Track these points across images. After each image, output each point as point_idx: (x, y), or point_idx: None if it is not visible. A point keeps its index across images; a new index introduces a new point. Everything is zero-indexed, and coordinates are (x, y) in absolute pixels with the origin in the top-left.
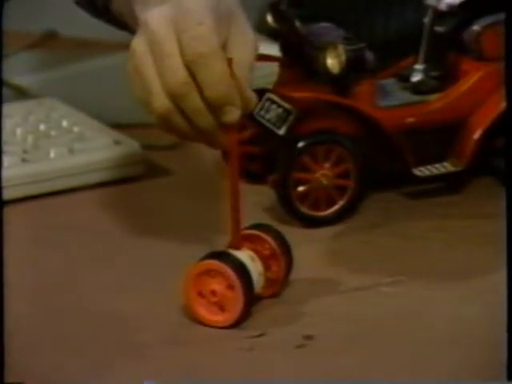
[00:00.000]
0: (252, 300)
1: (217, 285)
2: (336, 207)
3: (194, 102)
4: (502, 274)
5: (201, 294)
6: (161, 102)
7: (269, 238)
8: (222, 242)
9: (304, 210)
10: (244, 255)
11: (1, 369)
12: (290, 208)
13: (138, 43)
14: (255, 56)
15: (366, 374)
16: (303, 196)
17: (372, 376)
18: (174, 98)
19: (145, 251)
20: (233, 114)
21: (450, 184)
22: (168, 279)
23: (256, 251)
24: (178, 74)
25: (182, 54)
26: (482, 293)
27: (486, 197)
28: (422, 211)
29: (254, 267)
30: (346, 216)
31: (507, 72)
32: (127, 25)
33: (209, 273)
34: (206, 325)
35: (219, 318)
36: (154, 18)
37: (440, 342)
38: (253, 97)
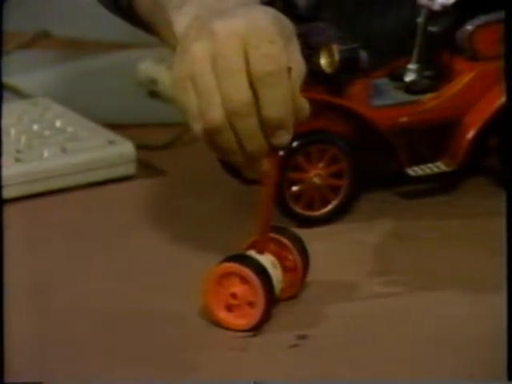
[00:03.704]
0: (272, 304)
1: (238, 288)
2: (329, 207)
3: (252, 123)
4: (497, 274)
5: (221, 297)
6: (218, 114)
7: (292, 247)
8: (216, 241)
9: (298, 209)
10: (266, 261)
11: (1, 369)
12: (283, 208)
13: (200, 51)
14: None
15: (360, 373)
16: (297, 196)
17: (366, 376)
18: (233, 115)
19: (138, 251)
20: (283, 138)
21: (444, 184)
22: (163, 278)
23: (278, 257)
24: (243, 93)
25: (249, 70)
26: (476, 292)
27: (480, 197)
28: (415, 211)
29: (275, 274)
30: (339, 216)
31: (507, 72)
32: (150, 27)
33: (231, 275)
34: (225, 328)
35: (239, 321)
36: (223, 30)
37: (434, 342)
38: (306, 105)
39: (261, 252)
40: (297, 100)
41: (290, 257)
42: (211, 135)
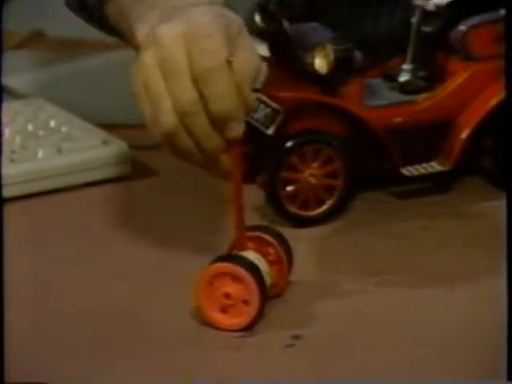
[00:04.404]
0: (265, 301)
1: (231, 287)
2: (324, 207)
3: (202, 121)
4: (494, 272)
5: (214, 298)
6: (169, 118)
7: (274, 242)
8: (210, 241)
9: (292, 209)
10: (252, 257)
11: (1, 369)
12: (278, 208)
13: (148, 58)
14: (257, 72)
15: (357, 373)
16: (292, 196)
17: (363, 376)
18: (183, 116)
19: (132, 251)
20: (236, 130)
21: (438, 184)
22: (155, 279)
23: (261, 253)
24: (189, 92)
25: (191, 68)
26: (470, 292)
27: (474, 196)
28: (409, 211)
29: (263, 268)
30: (334, 216)
31: (507, 72)
32: (122, 34)
33: (222, 276)
34: (219, 329)
35: (234, 321)
36: (166, 35)
37: (432, 342)
38: (252, 97)
39: (243, 249)
40: (243, 93)
41: (273, 251)
42: (169, 139)
